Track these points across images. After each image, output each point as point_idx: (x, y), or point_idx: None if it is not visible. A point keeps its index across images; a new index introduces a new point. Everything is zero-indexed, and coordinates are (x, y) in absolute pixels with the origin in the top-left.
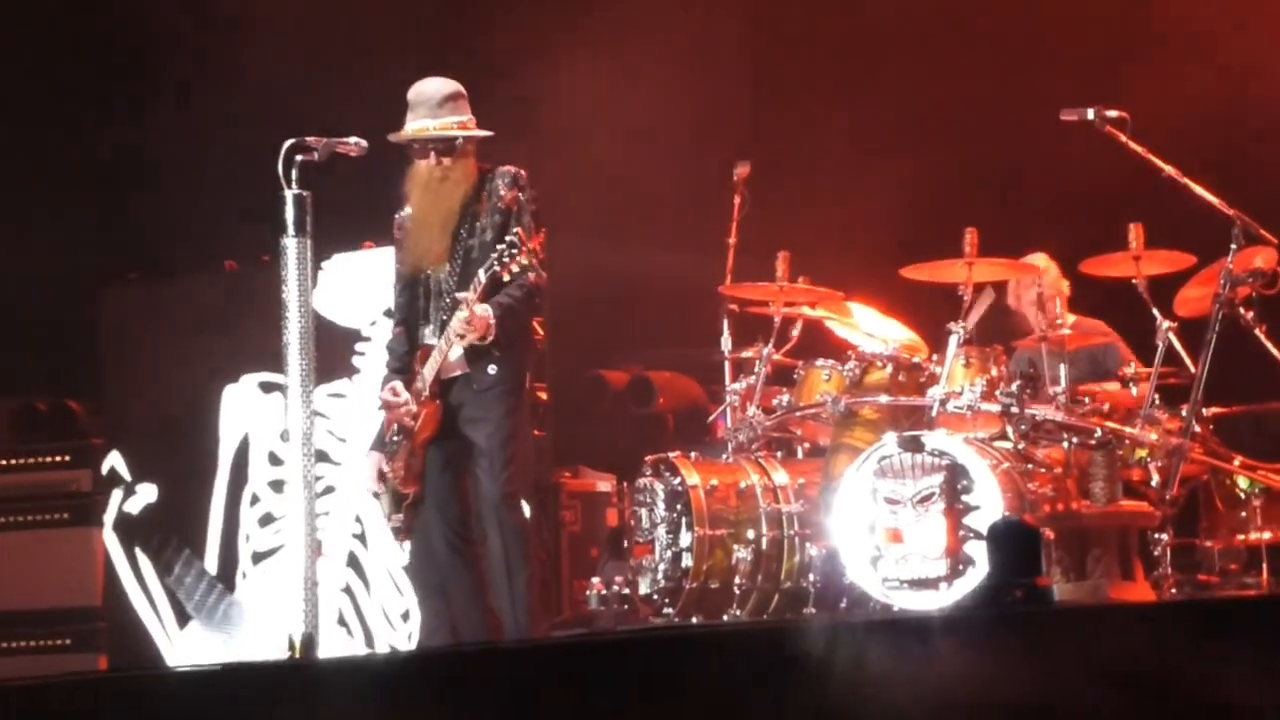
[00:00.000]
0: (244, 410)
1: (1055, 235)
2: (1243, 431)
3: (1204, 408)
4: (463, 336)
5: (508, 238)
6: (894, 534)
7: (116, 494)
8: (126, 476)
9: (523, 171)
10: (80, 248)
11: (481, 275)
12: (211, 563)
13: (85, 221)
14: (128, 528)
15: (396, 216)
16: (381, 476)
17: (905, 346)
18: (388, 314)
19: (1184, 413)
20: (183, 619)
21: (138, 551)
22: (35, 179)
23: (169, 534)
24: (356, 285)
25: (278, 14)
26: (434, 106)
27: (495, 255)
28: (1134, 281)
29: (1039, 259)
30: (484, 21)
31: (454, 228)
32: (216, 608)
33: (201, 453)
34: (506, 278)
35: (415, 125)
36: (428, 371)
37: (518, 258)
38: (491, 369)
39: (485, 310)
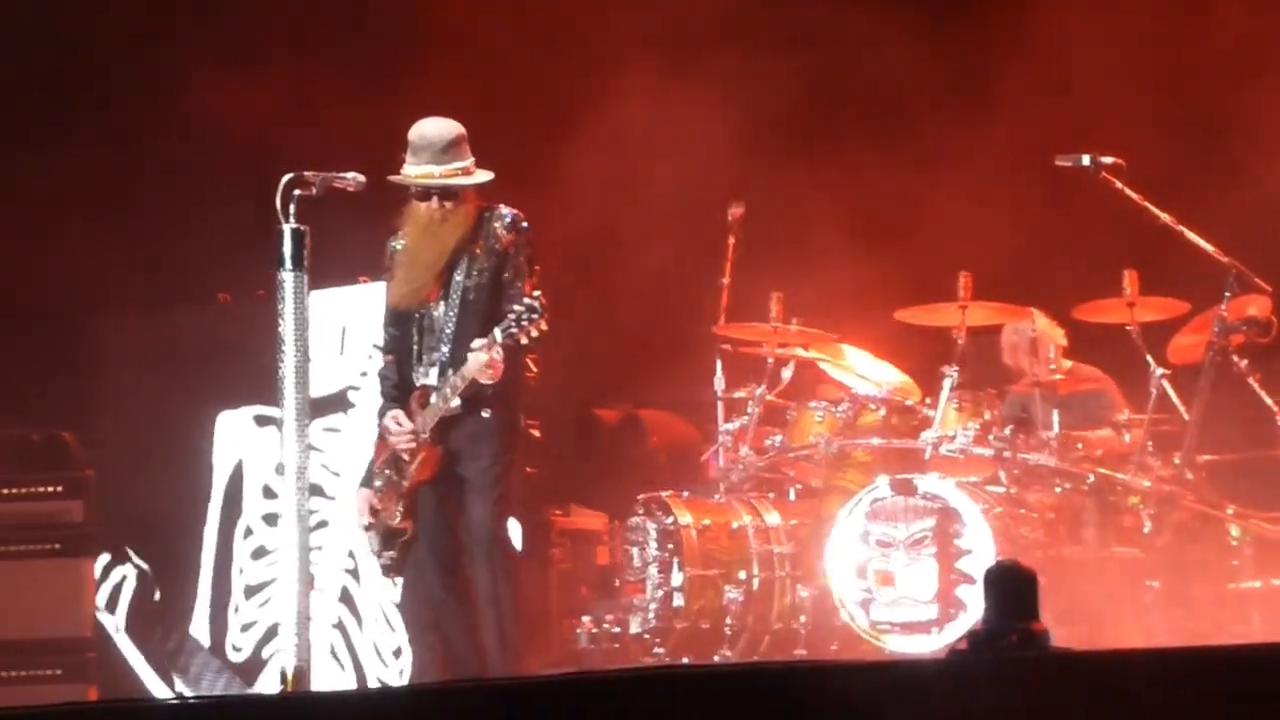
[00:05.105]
0: (237, 441)
1: (1049, 280)
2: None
3: (1197, 455)
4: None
5: (527, 300)
6: (885, 577)
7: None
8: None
9: (520, 214)
10: (74, 279)
11: (498, 334)
12: (204, 595)
13: (79, 253)
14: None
15: (389, 246)
16: (373, 512)
17: (898, 389)
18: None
19: (1176, 459)
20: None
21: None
22: (29, 208)
23: (158, 622)
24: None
25: (274, 47)
26: (438, 152)
27: (514, 316)
28: (1128, 328)
29: (1032, 311)
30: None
31: (449, 266)
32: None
33: (193, 485)
34: (524, 340)
35: (420, 170)
36: (429, 415)
37: (539, 322)
38: (485, 412)
39: (499, 354)
